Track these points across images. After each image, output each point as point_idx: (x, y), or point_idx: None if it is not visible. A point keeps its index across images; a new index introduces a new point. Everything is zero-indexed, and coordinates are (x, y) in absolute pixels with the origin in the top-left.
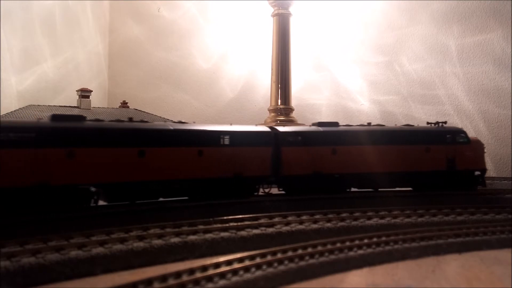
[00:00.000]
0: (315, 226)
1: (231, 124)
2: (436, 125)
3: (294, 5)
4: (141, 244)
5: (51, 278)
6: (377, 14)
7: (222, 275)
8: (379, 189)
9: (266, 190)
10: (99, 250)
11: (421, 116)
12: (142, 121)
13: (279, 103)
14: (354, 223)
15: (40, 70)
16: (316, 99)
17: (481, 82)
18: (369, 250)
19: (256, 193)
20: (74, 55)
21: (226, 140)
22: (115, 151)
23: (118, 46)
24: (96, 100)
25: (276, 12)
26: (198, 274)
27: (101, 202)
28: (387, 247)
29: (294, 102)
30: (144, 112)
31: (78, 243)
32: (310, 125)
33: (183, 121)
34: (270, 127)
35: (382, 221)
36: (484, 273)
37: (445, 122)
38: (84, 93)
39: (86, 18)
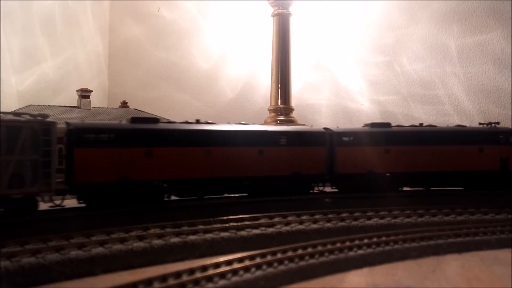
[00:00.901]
0: (315, 226)
1: (287, 125)
2: (489, 126)
3: (294, 5)
4: (141, 244)
5: (51, 278)
6: (377, 14)
7: (222, 275)
8: (431, 188)
9: (320, 188)
10: (99, 250)
11: (421, 116)
12: (208, 122)
13: (279, 103)
14: (354, 223)
15: (40, 70)
16: (316, 99)
17: (481, 82)
18: (369, 250)
19: (312, 191)
20: (74, 55)
21: (285, 140)
22: (186, 150)
23: (118, 46)
24: (96, 100)
25: (276, 12)
26: (198, 274)
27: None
28: (387, 247)
29: (294, 102)
30: (144, 112)
31: (78, 243)
32: (362, 126)
33: (243, 122)
34: (325, 128)
35: (382, 221)
36: (484, 273)
37: (498, 123)
38: (84, 93)
39: (86, 18)
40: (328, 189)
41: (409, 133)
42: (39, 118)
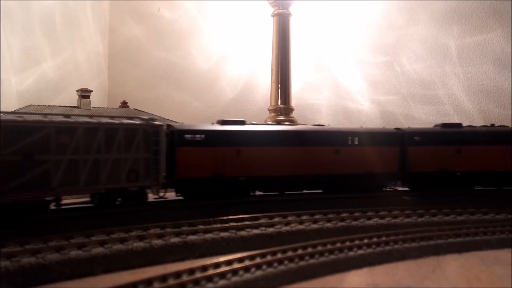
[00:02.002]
0: (315, 226)
1: (361, 126)
2: None
3: (294, 5)
4: (141, 244)
5: (51, 278)
6: (377, 14)
7: (222, 275)
8: (505, 188)
9: (392, 187)
10: (99, 250)
11: (421, 116)
12: (288, 124)
13: (279, 103)
14: (354, 223)
15: (40, 70)
16: (316, 99)
17: (481, 82)
18: (369, 250)
19: (384, 189)
20: (74, 55)
21: (359, 140)
22: (270, 149)
23: (118, 46)
24: (96, 100)
25: (276, 12)
26: (198, 274)
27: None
28: (387, 247)
29: (294, 102)
30: (144, 112)
31: (78, 243)
32: (433, 126)
33: (321, 123)
34: (396, 128)
35: (382, 221)
36: (484, 273)
37: None
38: (84, 93)
39: (86, 18)
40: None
41: (481, 133)
42: (149, 121)
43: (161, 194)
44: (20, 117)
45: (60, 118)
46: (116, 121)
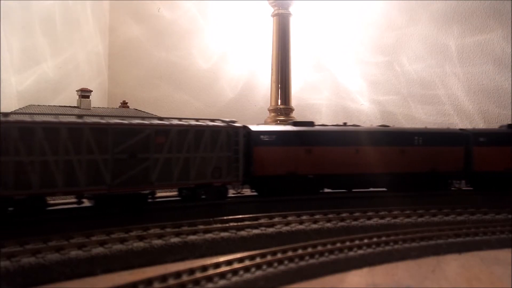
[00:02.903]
0: (315, 226)
1: (425, 127)
2: None
3: (294, 5)
4: (141, 244)
5: (51, 278)
6: (377, 14)
7: (222, 275)
8: None
9: (457, 186)
10: (99, 250)
11: (421, 116)
12: (355, 125)
13: (279, 103)
14: (354, 223)
15: (40, 70)
16: (316, 99)
17: (481, 82)
18: (369, 250)
19: (449, 187)
20: (74, 55)
21: (424, 141)
22: (338, 149)
23: (118, 46)
24: (96, 100)
25: (276, 12)
26: (198, 274)
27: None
28: (387, 247)
29: (294, 102)
30: (144, 112)
31: (78, 243)
32: (499, 127)
33: (386, 124)
34: (461, 129)
35: (382, 221)
36: (484, 273)
37: None
38: (84, 93)
39: (86, 18)
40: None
41: None
42: (230, 123)
43: (239, 190)
44: (125, 119)
45: (157, 121)
46: (203, 123)
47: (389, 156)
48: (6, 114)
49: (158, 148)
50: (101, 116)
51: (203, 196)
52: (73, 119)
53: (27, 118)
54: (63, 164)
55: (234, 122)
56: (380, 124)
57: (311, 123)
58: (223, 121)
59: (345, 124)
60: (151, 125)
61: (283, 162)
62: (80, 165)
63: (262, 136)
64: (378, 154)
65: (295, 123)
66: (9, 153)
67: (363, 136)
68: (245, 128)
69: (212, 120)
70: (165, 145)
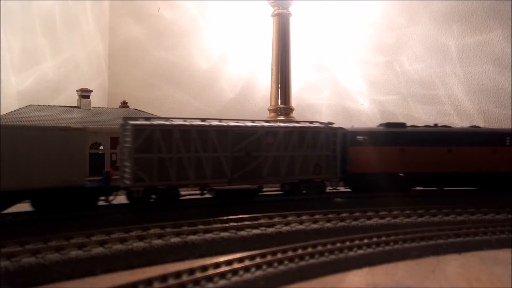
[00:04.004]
0: (315, 226)
1: None
2: None
3: (294, 5)
4: (141, 244)
5: (51, 278)
6: (377, 14)
7: (222, 275)
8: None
9: None
10: (99, 250)
11: (421, 116)
12: (445, 126)
13: (279, 103)
14: (354, 223)
15: (40, 70)
16: (316, 99)
17: (481, 82)
18: (369, 250)
19: None
20: (74, 55)
21: None
22: (431, 149)
23: (118, 46)
24: (96, 100)
25: (276, 12)
26: (198, 274)
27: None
28: (387, 247)
29: (294, 102)
30: (144, 112)
31: (78, 243)
32: None
33: (477, 125)
34: None
35: (382, 221)
36: (484, 273)
37: None
38: (84, 93)
39: (86, 18)
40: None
41: None
42: (328, 125)
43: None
44: (242, 123)
45: (267, 124)
46: (304, 125)
47: (481, 156)
48: (147, 118)
49: (268, 147)
50: (220, 119)
51: (304, 191)
52: (198, 122)
53: (166, 121)
54: (194, 160)
55: (331, 124)
56: (471, 125)
57: (403, 125)
58: (321, 123)
59: (435, 125)
60: (263, 127)
61: (377, 160)
62: (206, 161)
63: (357, 137)
64: (470, 154)
65: (388, 125)
66: (154, 151)
67: (456, 137)
68: (342, 129)
69: (311, 122)
70: (274, 144)
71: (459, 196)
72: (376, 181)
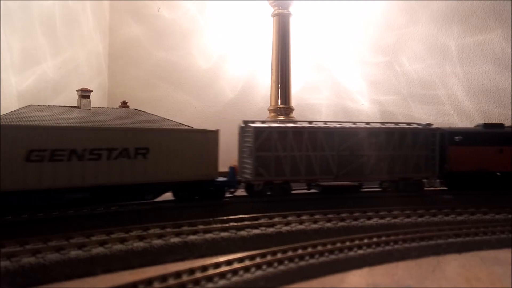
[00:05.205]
0: (315, 226)
1: None
2: None
3: (294, 5)
4: (141, 244)
5: (51, 278)
6: (377, 14)
7: (222, 275)
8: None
9: None
10: (99, 250)
11: (421, 116)
12: None
13: (279, 103)
14: (354, 223)
15: (40, 70)
16: (316, 99)
17: (481, 82)
18: (369, 250)
19: None
20: (74, 55)
21: None
22: None
23: (118, 46)
24: (96, 100)
25: (276, 12)
26: (198, 274)
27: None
28: (387, 247)
29: (294, 102)
30: (144, 112)
31: (78, 243)
32: None
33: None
34: None
35: (382, 221)
36: (484, 273)
37: None
38: (84, 93)
39: (86, 18)
40: None
41: None
42: (427, 126)
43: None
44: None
45: (369, 125)
46: (405, 126)
47: None
48: (263, 121)
49: (370, 147)
50: (310, 121)
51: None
52: (307, 124)
53: (281, 124)
54: (305, 158)
55: (430, 125)
56: None
57: (501, 125)
58: (419, 124)
59: None
60: (365, 128)
61: (475, 160)
62: (315, 159)
63: (456, 137)
64: None
65: (486, 125)
66: (271, 150)
67: None
68: (440, 129)
69: (409, 124)
70: (376, 144)
71: (459, 196)
72: (472, 179)
